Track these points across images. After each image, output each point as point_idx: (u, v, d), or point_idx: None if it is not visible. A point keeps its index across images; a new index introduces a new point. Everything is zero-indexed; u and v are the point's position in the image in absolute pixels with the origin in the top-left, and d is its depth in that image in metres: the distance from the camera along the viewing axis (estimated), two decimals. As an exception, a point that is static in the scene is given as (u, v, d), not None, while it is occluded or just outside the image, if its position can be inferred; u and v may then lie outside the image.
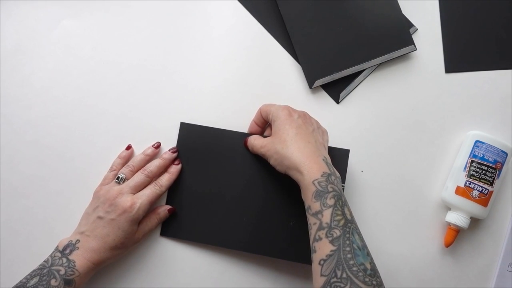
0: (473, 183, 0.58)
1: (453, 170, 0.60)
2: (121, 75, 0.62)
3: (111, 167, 0.58)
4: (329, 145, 0.60)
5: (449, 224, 0.59)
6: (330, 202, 0.46)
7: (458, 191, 0.58)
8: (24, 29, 0.63)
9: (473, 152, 0.59)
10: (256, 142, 0.56)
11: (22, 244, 0.59)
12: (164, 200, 0.59)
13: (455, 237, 0.59)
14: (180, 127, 0.61)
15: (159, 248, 0.59)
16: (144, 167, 0.57)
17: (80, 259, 0.51)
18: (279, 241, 0.57)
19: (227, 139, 0.60)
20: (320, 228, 0.46)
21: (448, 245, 0.59)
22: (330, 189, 0.47)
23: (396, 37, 0.62)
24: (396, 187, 0.61)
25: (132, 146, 0.60)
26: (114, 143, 0.61)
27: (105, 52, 0.63)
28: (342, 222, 0.45)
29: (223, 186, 0.59)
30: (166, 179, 0.57)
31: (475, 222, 0.60)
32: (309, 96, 0.63)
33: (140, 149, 0.60)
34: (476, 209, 0.58)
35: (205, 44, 0.63)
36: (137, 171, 0.57)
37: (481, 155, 0.58)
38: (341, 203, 0.47)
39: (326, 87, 0.63)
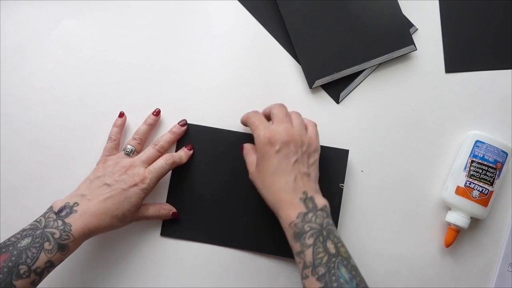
0: (473, 183, 0.58)
1: (453, 170, 0.60)
2: (121, 75, 0.62)
3: (110, 137, 0.58)
4: (329, 145, 0.60)
5: (449, 224, 0.59)
6: (309, 241, 0.46)
7: (458, 191, 0.58)
8: (24, 29, 0.63)
9: (473, 152, 0.59)
10: (247, 159, 0.55)
11: (22, 244, 0.59)
12: (165, 199, 0.59)
13: (455, 237, 0.59)
14: None
15: (159, 248, 0.59)
16: (155, 142, 0.57)
17: (77, 223, 0.49)
18: (280, 239, 0.57)
19: (227, 139, 0.60)
20: (305, 267, 0.46)
21: (448, 245, 0.59)
22: (307, 229, 0.47)
23: (396, 37, 0.62)
24: (396, 187, 0.61)
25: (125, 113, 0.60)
26: (114, 143, 0.61)
27: (105, 52, 0.63)
28: (325, 259, 0.45)
29: (224, 185, 0.59)
30: (178, 158, 0.57)
31: (475, 222, 0.60)
32: (309, 96, 0.63)
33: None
34: (476, 209, 0.58)
35: (205, 44, 0.63)
36: (144, 143, 0.58)
37: (481, 155, 0.58)
38: (322, 239, 0.46)
39: (326, 87, 0.63)
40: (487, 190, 0.58)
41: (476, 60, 0.64)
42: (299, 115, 0.55)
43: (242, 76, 0.63)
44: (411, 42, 0.62)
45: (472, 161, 0.58)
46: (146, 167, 0.54)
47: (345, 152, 0.59)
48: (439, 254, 0.60)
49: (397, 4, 0.63)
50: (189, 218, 0.59)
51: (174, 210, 0.58)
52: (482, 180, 0.58)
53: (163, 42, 0.63)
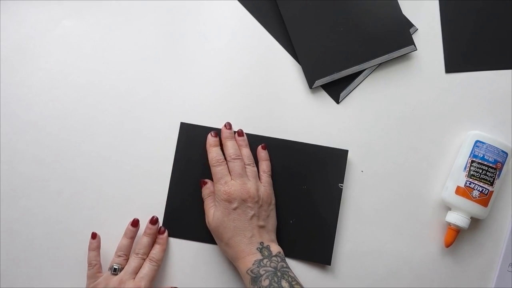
0: (473, 183, 0.58)
1: (453, 170, 0.60)
2: (121, 75, 0.62)
3: (90, 263, 0.55)
4: (329, 145, 0.60)
5: (449, 224, 0.59)
6: (265, 283, 0.50)
7: (458, 191, 0.58)
8: (24, 29, 0.63)
9: (473, 152, 0.59)
10: (206, 209, 0.57)
11: (22, 244, 0.59)
12: (165, 199, 0.59)
13: (455, 237, 0.59)
14: (180, 128, 0.61)
15: (159, 248, 0.59)
16: (137, 251, 0.56)
17: None
18: (280, 239, 0.57)
19: None
20: None
21: (448, 245, 0.59)
22: (263, 272, 0.51)
23: (396, 37, 0.62)
24: (396, 187, 0.61)
25: (98, 233, 0.58)
26: (114, 143, 0.61)
27: (105, 52, 0.63)
28: None
29: None
30: (159, 252, 0.56)
31: (475, 222, 0.60)
32: (309, 96, 0.63)
33: (137, 145, 0.60)
34: (476, 209, 0.58)
35: (205, 44, 0.63)
36: (128, 256, 0.56)
37: (481, 155, 0.58)
38: (276, 279, 0.50)
39: (326, 87, 0.63)
40: (487, 190, 0.58)
41: (476, 60, 0.64)
42: (252, 162, 0.58)
43: (242, 76, 0.63)
44: (411, 42, 0.62)
45: (472, 161, 0.58)
46: (135, 278, 0.54)
47: (344, 152, 0.60)
48: (439, 254, 0.60)
49: (397, 4, 0.63)
50: (189, 218, 0.59)
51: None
52: (482, 180, 0.58)
53: (163, 42, 0.63)
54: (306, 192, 0.59)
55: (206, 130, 0.60)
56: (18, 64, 0.62)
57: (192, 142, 0.60)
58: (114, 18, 0.63)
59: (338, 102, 0.63)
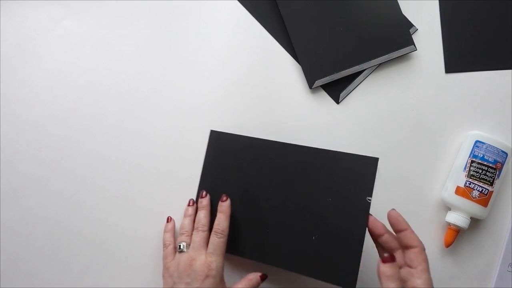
0: (473, 183, 0.58)
1: (453, 170, 0.60)
2: (121, 75, 0.62)
3: (164, 244, 0.57)
4: (329, 145, 0.59)
5: (449, 224, 0.59)
6: None
7: (458, 191, 0.58)
8: (24, 29, 0.63)
9: (473, 152, 0.59)
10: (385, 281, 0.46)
11: (22, 244, 0.59)
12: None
13: (455, 237, 0.59)
14: (210, 135, 0.60)
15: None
16: (196, 225, 0.55)
17: None
18: (301, 255, 0.54)
19: (256, 148, 0.58)
20: None
21: (448, 245, 0.59)
22: None
23: (396, 37, 0.62)
24: (396, 187, 0.61)
25: (172, 217, 0.59)
26: (114, 143, 0.61)
27: (105, 52, 0.63)
28: None
29: (249, 196, 0.57)
30: (223, 221, 0.54)
31: (475, 222, 0.60)
32: (309, 96, 0.63)
33: (137, 145, 0.60)
34: (476, 209, 0.58)
35: (205, 44, 0.63)
36: (192, 233, 0.56)
37: (481, 155, 0.58)
38: None
39: (326, 87, 0.63)
40: (487, 190, 0.58)
41: (476, 60, 0.64)
42: None
43: (242, 76, 0.63)
44: (411, 42, 0.62)
45: (472, 161, 0.58)
46: (204, 252, 0.53)
47: (374, 161, 0.52)
48: (439, 254, 0.60)
49: (397, 4, 0.63)
50: None
51: (260, 274, 0.54)
52: (482, 180, 0.58)
53: (163, 42, 0.63)
54: (331, 205, 0.54)
55: (235, 138, 0.58)
56: (18, 64, 0.62)
57: (222, 150, 0.59)
58: (114, 18, 0.63)
59: (338, 102, 0.63)
